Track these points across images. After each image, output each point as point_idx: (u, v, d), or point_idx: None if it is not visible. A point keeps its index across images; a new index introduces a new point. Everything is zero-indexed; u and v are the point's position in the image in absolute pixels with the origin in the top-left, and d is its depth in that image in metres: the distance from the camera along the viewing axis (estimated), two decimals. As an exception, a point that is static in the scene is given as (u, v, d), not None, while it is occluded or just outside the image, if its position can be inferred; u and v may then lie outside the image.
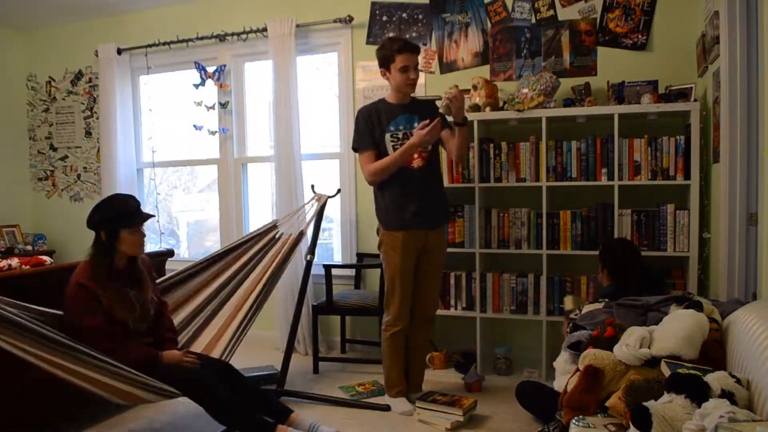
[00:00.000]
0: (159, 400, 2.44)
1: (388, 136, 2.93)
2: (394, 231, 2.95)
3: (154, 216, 2.63)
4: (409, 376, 3.12)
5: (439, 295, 3.47)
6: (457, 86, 2.96)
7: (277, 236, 3.25)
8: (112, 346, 2.35)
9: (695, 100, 3.07)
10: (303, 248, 3.52)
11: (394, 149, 2.92)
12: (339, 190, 3.66)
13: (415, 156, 2.93)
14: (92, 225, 2.49)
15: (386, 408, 3.03)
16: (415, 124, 2.94)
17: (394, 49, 2.83)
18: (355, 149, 3.03)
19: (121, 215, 2.47)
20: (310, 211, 3.37)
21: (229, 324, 3.00)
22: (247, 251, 3.18)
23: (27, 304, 2.30)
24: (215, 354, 2.88)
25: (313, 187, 3.49)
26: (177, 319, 2.92)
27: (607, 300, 2.55)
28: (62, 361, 2.16)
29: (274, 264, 3.15)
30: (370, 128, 2.94)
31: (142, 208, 2.58)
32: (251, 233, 3.27)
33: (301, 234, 3.27)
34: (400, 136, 2.93)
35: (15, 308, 2.19)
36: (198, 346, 2.92)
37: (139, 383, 2.31)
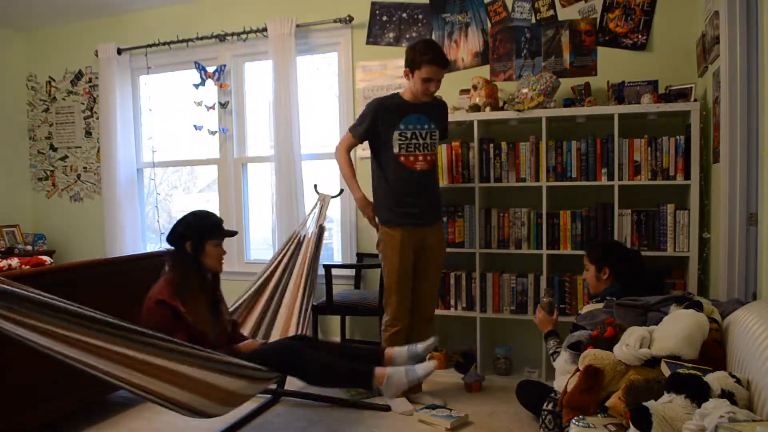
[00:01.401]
0: (251, 389, 2.26)
1: (397, 133, 2.94)
2: (392, 228, 2.96)
3: (237, 233, 2.70)
4: None
5: (439, 295, 3.48)
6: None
7: (301, 240, 3.47)
8: None
9: (695, 100, 3.07)
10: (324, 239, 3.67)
11: (400, 147, 2.93)
12: (342, 191, 3.68)
13: (420, 159, 2.96)
14: (178, 236, 2.48)
15: (386, 408, 3.03)
16: (425, 126, 2.98)
17: (423, 59, 2.81)
18: (350, 129, 3.10)
19: (208, 226, 2.52)
20: (316, 211, 3.50)
21: (292, 310, 3.19)
22: (282, 261, 3.41)
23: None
24: (290, 333, 3.01)
25: (316, 187, 3.51)
26: (246, 329, 3.08)
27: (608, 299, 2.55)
28: (129, 350, 1.89)
29: (307, 260, 3.37)
30: (373, 123, 2.95)
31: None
32: (280, 249, 3.51)
33: (321, 228, 3.45)
34: (408, 135, 2.95)
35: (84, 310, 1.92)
36: (274, 339, 3.06)
37: (225, 368, 2.11)
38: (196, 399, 2.05)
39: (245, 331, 3.06)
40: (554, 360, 2.56)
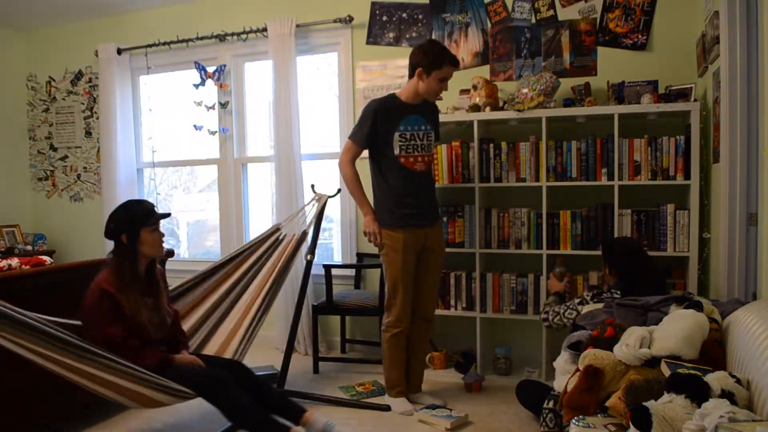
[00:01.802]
0: (174, 402, 2.41)
1: (397, 135, 2.93)
2: (395, 230, 2.96)
3: (170, 215, 2.70)
4: (409, 377, 3.12)
5: (439, 295, 3.48)
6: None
7: (280, 238, 3.27)
8: (128, 355, 2.33)
9: (695, 100, 3.07)
10: (304, 248, 3.53)
11: (401, 148, 2.93)
12: (339, 190, 3.67)
13: (419, 160, 2.97)
14: (112, 231, 2.49)
15: (386, 408, 3.03)
16: (423, 127, 2.98)
17: (446, 60, 2.86)
18: (350, 137, 3.04)
19: (139, 215, 2.50)
20: (311, 211, 3.38)
21: (240, 326, 3.00)
22: (252, 254, 3.19)
23: (41, 315, 2.24)
24: (227, 355, 2.88)
25: (313, 186, 3.49)
26: (187, 324, 2.92)
27: (611, 293, 2.58)
28: (78, 364, 2.16)
29: (279, 264, 3.15)
30: (374, 126, 2.94)
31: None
32: (255, 238, 3.28)
33: (304, 234, 3.28)
34: (408, 136, 2.94)
35: (30, 314, 2.17)
36: (210, 350, 2.92)
37: (153, 384, 2.30)
38: (129, 402, 2.35)
39: (185, 325, 2.89)
40: (543, 311, 2.80)
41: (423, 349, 3.21)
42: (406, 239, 2.94)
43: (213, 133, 4.41)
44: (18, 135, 5.10)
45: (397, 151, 2.93)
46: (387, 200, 2.99)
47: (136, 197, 4.66)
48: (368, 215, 3.02)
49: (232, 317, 3.04)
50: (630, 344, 1.85)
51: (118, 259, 2.47)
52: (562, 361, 2.20)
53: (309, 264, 3.34)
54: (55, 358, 2.12)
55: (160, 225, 2.57)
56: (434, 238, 3.05)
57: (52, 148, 5.06)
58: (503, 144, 3.38)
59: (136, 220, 2.48)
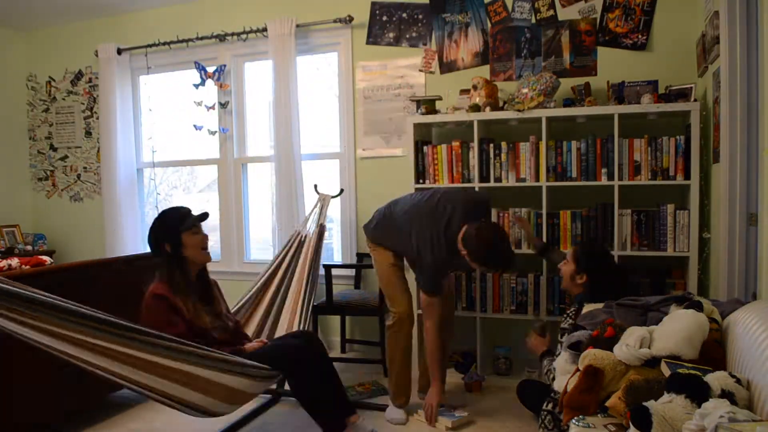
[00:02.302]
0: (256, 388, 2.29)
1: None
2: (385, 249, 3.00)
3: (208, 215, 2.61)
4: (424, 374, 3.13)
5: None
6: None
7: (302, 240, 3.50)
8: None
9: (695, 100, 3.07)
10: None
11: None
12: (342, 191, 3.68)
13: None
14: (154, 242, 2.48)
15: (386, 408, 3.02)
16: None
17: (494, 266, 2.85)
18: (428, 290, 2.88)
19: (175, 220, 2.49)
20: (316, 211, 3.51)
21: (294, 317, 3.22)
22: (284, 260, 3.44)
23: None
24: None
25: (316, 187, 3.52)
26: (249, 330, 3.08)
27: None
28: (157, 358, 1.93)
29: (308, 259, 3.42)
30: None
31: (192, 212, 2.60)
32: (282, 249, 3.52)
33: (322, 227, 3.48)
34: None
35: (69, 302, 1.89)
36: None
37: (235, 366, 2.14)
38: (200, 397, 2.06)
39: (249, 330, 3.05)
40: (548, 379, 2.52)
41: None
42: (396, 257, 3.00)
43: (213, 133, 4.41)
44: (18, 135, 5.10)
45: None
46: (391, 233, 2.98)
47: (136, 197, 4.68)
48: (435, 386, 2.87)
49: (287, 307, 3.27)
50: (630, 344, 1.84)
51: (167, 269, 2.44)
52: (562, 361, 2.20)
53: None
54: (105, 346, 1.86)
55: (201, 227, 2.55)
56: None
57: (52, 148, 5.06)
58: (503, 144, 3.38)
59: (174, 226, 2.47)
